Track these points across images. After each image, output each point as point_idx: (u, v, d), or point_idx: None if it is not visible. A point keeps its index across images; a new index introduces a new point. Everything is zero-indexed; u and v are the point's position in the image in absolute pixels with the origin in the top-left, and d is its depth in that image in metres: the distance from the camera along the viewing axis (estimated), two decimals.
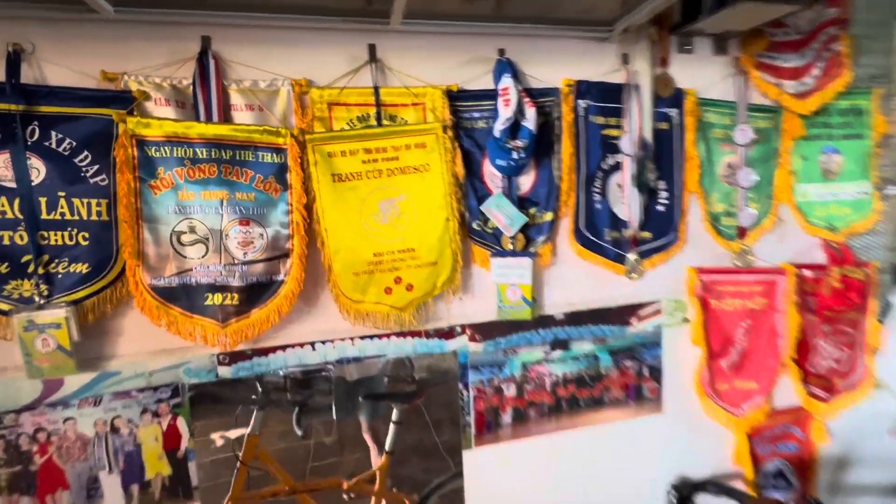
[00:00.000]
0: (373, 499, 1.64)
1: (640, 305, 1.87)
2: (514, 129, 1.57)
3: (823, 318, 2.00)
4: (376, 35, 1.53)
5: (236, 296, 1.42)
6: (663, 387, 1.92)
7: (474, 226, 1.66)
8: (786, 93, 1.89)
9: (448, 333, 1.68)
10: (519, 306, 1.68)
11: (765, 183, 1.95)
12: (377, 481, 1.64)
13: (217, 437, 1.49)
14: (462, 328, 1.69)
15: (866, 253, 2.08)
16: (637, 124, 1.72)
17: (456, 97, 1.60)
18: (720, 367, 1.94)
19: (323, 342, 1.57)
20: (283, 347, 1.54)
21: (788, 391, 2.02)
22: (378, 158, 1.51)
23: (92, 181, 1.34)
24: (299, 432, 1.55)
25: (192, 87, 1.38)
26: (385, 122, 1.55)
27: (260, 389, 1.52)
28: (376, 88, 1.52)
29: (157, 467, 1.46)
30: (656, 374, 1.91)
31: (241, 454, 1.50)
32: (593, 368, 1.84)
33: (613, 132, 1.74)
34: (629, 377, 1.88)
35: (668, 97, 1.80)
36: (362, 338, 1.60)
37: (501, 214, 1.64)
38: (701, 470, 2.00)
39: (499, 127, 1.55)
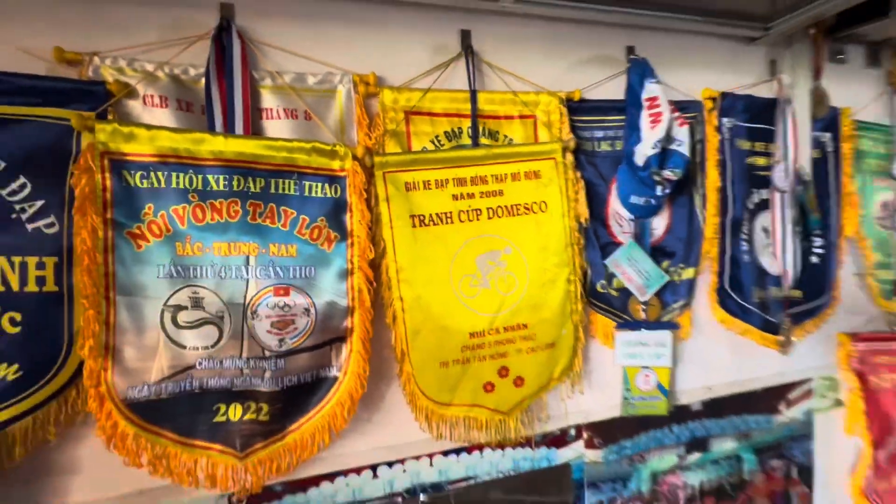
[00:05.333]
0: None
1: (789, 386, 1.43)
2: (662, 155, 1.13)
3: None
4: (471, 17, 1.08)
5: (265, 406, 0.90)
6: (815, 492, 1.48)
7: (598, 287, 1.19)
8: None
9: (559, 439, 1.19)
10: (652, 397, 1.22)
11: None
12: None
13: None
14: (577, 430, 1.21)
15: None
16: (792, 151, 1.31)
17: (576, 109, 1.16)
18: (878, 460, 1.51)
19: (389, 464, 1.05)
20: (331, 476, 1.01)
21: None
22: (475, 193, 1.04)
23: (30, 227, 0.81)
24: None
25: (204, 80, 0.89)
26: (483, 139, 1.08)
27: None
28: (473, 92, 1.06)
29: None
30: (806, 475, 1.47)
31: None
32: (735, 474, 1.38)
33: (759, 160, 1.32)
34: (776, 482, 1.43)
35: (821, 118, 1.40)
36: (444, 453, 1.09)
37: (634, 271, 1.19)
38: None
39: (644, 152, 1.10)
